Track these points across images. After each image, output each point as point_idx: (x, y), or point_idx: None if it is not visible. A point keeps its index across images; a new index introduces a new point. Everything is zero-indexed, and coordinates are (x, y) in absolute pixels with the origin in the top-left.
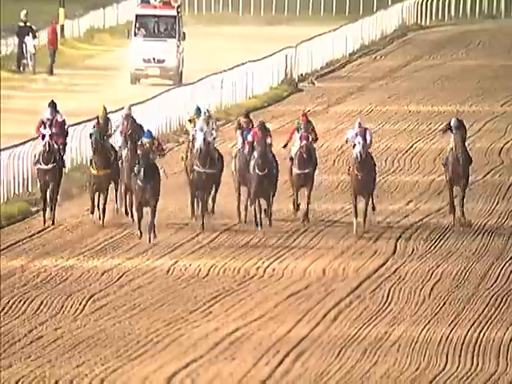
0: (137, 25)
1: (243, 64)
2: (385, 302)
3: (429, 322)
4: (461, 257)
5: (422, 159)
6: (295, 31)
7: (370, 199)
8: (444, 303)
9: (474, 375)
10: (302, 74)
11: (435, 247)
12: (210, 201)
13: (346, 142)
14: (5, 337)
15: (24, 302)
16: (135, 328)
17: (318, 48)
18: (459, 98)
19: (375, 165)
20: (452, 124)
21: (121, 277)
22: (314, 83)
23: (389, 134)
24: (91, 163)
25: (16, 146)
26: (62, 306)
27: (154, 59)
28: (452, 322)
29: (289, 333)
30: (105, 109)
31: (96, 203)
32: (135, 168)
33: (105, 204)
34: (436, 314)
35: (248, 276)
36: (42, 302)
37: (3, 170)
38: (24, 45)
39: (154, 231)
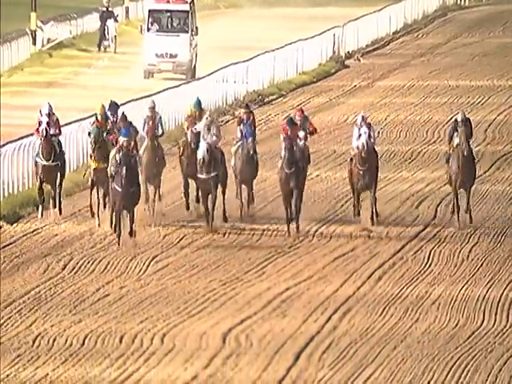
0: (150, 20)
1: (294, 42)
2: (426, 264)
3: (467, 282)
4: (497, 221)
5: None
6: (342, 11)
7: (373, 196)
8: (481, 264)
9: (509, 332)
10: (348, 52)
11: (473, 212)
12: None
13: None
14: (75, 294)
15: (92, 263)
16: (194, 287)
17: (363, 27)
18: (496, 73)
19: (378, 160)
20: (458, 118)
21: (181, 239)
22: (359, 60)
23: (430, 106)
24: (91, 158)
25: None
26: (127, 267)
27: (166, 54)
28: (489, 282)
29: (336, 292)
30: (103, 106)
31: (96, 200)
32: (112, 169)
33: (104, 199)
34: (474, 275)
35: (298, 239)
36: (108, 263)
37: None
38: (106, 28)
39: (134, 235)
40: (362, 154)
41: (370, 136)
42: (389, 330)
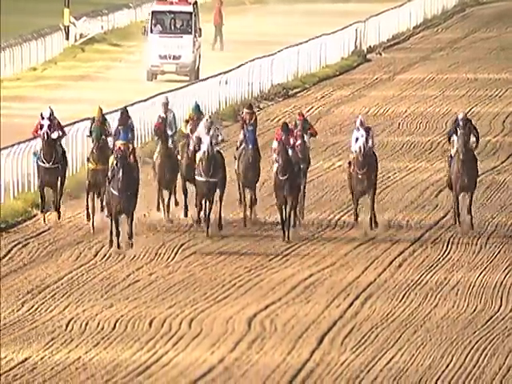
0: (153, 21)
1: (317, 37)
2: (445, 251)
3: (484, 268)
4: None
5: (479, 122)
6: (364, 7)
7: (372, 201)
8: (498, 252)
9: None
10: (370, 46)
11: (491, 201)
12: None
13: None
14: (107, 280)
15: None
16: (220, 273)
17: (384, 22)
18: None
19: (377, 165)
20: (459, 119)
21: (208, 228)
22: (381, 54)
23: (449, 99)
24: (89, 160)
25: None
26: (156, 254)
27: (170, 55)
28: (506, 268)
29: (358, 278)
30: (100, 110)
31: (91, 202)
32: (109, 173)
33: (102, 202)
34: (491, 262)
35: (321, 227)
36: (138, 250)
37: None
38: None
39: (132, 239)
40: (359, 158)
41: (367, 140)
42: (409, 315)
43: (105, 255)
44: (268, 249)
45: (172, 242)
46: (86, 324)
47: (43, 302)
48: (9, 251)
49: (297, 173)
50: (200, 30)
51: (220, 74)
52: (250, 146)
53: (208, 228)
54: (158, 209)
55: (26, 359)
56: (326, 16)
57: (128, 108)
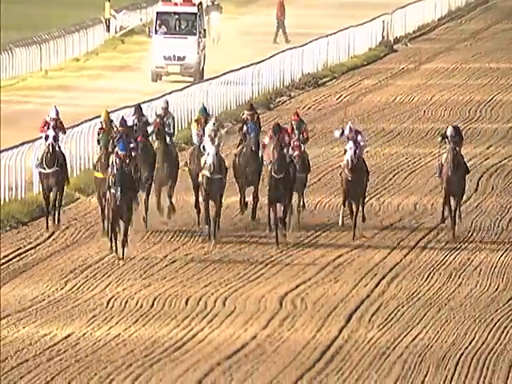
0: (157, 22)
1: (346, 29)
2: (468, 232)
3: (506, 249)
4: None
5: (502, 109)
6: (391, 0)
7: (361, 206)
8: None
9: None
10: (396, 37)
11: None
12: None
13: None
14: (145, 260)
15: (160, 232)
16: (253, 254)
17: (410, 14)
18: None
19: (368, 171)
20: (448, 133)
21: (238, 213)
22: (407, 45)
23: (472, 87)
24: (95, 168)
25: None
26: (192, 236)
27: (174, 56)
28: None
29: (384, 259)
30: (107, 113)
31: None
32: (110, 179)
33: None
34: None
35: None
36: (175, 232)
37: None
38: (209, 20)
39: (125, 248)
40: (349, 168)
41: (355, 152)
42: (433, 293)
43: (143, 237)
44: (299, 231)
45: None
46: (126, 302)
47: (85, 281)
48: (53, 233)
49: (292, 173)
50: (204, 30)
51: (253, 64)
52: (252, 139)
53: (213, 231)
54: (159, 207)
55: (69, 335)
56: (354, 8)
57: (166, 97)
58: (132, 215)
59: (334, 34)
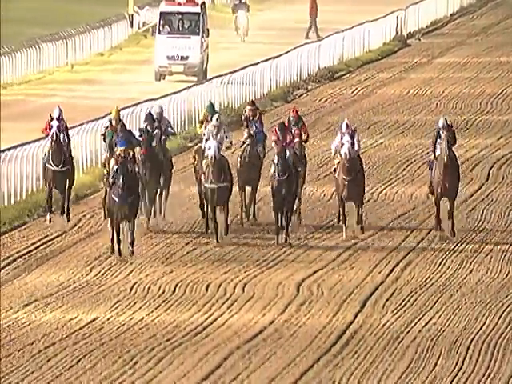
0: (161, 22)
1: (361, 24)
2: (479, 221)
3: None
4: None
5: None
6: None
7: (359, 208)
8: None
9: None
10: (410, 32)
11: None
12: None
13: (334, 154)
14: (167, 248)
15: (181, 221)
16: (271, 242)
17: (423, 10)
18: None
19: (363, 168)
20: (440, 125)
21: (258, 201)
22: (420, 39)
23: (483, 81)
24: (105, 167)
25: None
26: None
27: (178, 56)
28: None
29: (398, 246)
30: (118, 110)
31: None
32: (110, 179)
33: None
34: None
35: (365, 200)
36: (195, 222)
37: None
38: (236, 18)
39: (133, 247)
40: (345, 164)
41: (352, 145)
42: (446, 280)
43: (164, 226)
44: (315, 219)
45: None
46: (149, 288)
47: (109, 268)
48: (78, 221)
49: (295, 173)
50: (208, 30)
51: (270, 58)
52: (256, 141)
53: (217, 234)
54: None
55: (94, 319)
56: (370, 5)
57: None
58: (136, 214)
59: (350, 29)
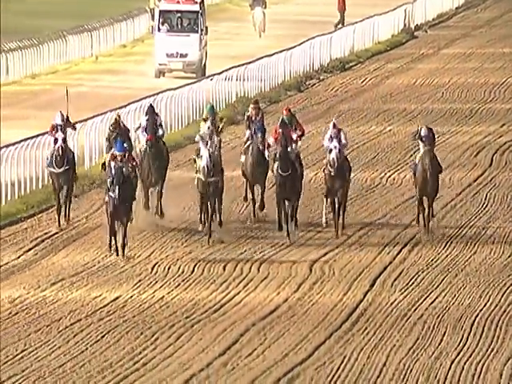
0: (160, 20)
1: (371, 17)
2: (482, 205)
3: None
4: None
5: None
6: None
7: (343, 203)
8: None
9: None
10: (417, 24)
11: None
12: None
13: (327, 149)
14: (187, 229)
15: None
16: (286, 226)
17: (430, 3)
18: None
19: (351, 168)
20: (422, 133)
21: (270, 189)
22: (426, 31)
23: (487, 71)
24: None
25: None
26: (229, 207)
27: (177, 53)
28: None
29: (406, 228)
30: (118, 117)
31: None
32: (108, 181)
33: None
34: None
35: (373, 184)
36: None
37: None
38: (254, 14)
39: (124, 250)
40: (334, 168)
41: (340, 151)
42: (451, 260)
43: (184, 207)
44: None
45: (241, 197)
46: (169, 268)
47: (132, 249)
48: (100, 206)
49: (298, 169)
50: (206, 28)
51: (283, 50)
52: (258, 139)
53: (209, 232)
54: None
55: (117, 298)
56: None
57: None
58: (131, 216)
59: (360, 22)
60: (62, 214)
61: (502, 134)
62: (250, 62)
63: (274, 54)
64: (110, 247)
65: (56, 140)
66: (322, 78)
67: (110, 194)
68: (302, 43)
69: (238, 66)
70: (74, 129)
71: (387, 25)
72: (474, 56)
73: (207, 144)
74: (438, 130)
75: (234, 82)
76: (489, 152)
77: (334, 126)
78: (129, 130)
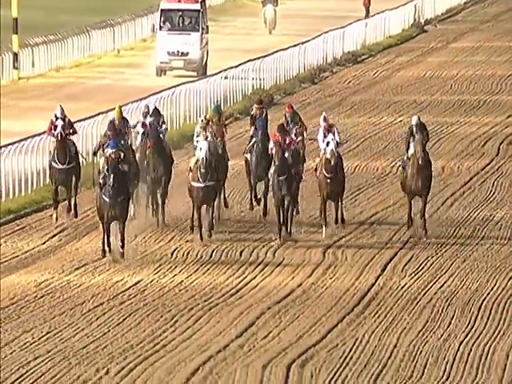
0: (162, 19)
1: (382, 12)
2: (490, 192)
3: None
4: None
5: None
6: None
7: (340, 203)
8: None
9: None
10: (427, 19)
11: None
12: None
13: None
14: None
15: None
16: (300, 214)
17: None
18: None
19: (343, 167)
20: (413, 123)
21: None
22: (436, 26)
23: (494, 63)
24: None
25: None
26: (244, 197)
27: (178, 52)
28: None
29: (416, 215)
30: (120, 109)
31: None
32: (100, 179)
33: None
34: None
35: (385, 173)
36: (228, 195)
37: None
38: (265, 11)
39: (123, 248)
40: (330, 162)
41: (337, 143)
42: (459, 246)
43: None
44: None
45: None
46: (188, 253)
47: (152, 235)
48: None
49: (294, 173)
50: (207, 27)
51: (298, 44)
52: (261, 137)
53: (201, 231)
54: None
55: (138, 282)
56: None
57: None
58: (127, 214)
59: (372, 16)
60: (59, 210)
61: (509, 125)
62: (265, 56)
63: (288, 47)
64: (104, 251)
65: (56, 127)
66: (335, 70)
67: (104, 192)
68: (315, 37)
69: (255, 59)
70: (75, 132)
71: (398, 19)
72: (482, 49)
73: (204, 136)
74: (446, 120)
75: (250, 74)
76: (496, 142)
77: (325, 119)
78: (128, 121)
